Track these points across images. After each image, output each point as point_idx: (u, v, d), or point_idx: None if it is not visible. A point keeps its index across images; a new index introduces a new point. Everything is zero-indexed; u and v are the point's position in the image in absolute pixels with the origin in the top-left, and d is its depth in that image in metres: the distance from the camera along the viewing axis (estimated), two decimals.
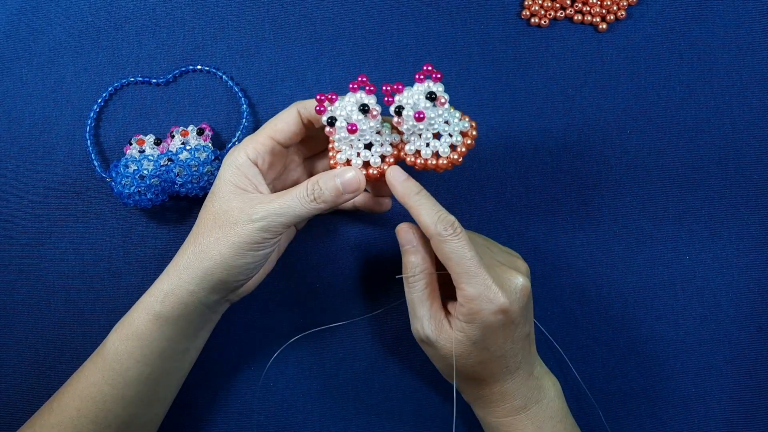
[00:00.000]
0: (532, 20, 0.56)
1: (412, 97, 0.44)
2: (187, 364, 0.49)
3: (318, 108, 0.45)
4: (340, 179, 0.45)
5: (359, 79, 0.45)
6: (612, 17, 0.56)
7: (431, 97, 0.44)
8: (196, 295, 0.45)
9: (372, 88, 0.45)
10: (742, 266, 0.55)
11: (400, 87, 0.45)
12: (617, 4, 0.56)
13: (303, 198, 0.45)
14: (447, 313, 0.46)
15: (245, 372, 0.54)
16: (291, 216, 0.45)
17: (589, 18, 0.56)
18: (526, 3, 0.56)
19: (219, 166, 0.52)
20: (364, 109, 0.44)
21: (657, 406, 0.54)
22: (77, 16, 0.57)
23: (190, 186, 0.52)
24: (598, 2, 0.56)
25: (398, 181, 0.46)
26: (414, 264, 0.46)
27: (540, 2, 0.56)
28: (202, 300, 0.46)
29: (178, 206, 0.55)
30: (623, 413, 0.53)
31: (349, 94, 0.45)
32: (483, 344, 0.44)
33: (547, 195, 0.55)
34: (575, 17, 0.56)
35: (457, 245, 0.43)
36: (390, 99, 0.45)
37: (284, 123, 0.47)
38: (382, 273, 0.55)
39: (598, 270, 0.55)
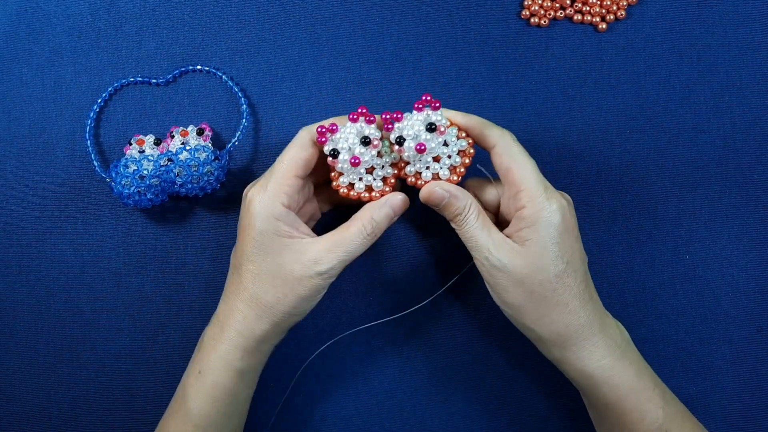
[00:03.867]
0: (532, 20, 0.56)
1: (413, 127, 0.45)
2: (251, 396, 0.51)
3: (319, 139, 0.45)
4: (391, 206, 0.46)
5: (359, 110, 0.45)
6: (612, 17, 0.56)
7: (431, 128, 0.45)
8: (270, 342, 0.47)
9: (372, 119, 0.45)
10: (742, 266, 0.55)
11: (400, 115, 0.45)
12: (617, 4, 0.56)
13: (363, 237, 0.45)
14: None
15: None
16: (353, 256, 0.46)
17: (589, 18, 0.56)
18: (526, 3, 0.56)
19: (219, 167, 0.52)
20: (366, 141, 0.45)
21: None
22: (77, 16, 0.57)
23: (189, 186, 0.52)
24: (598, 2, 0.56)
25: (451, 112, 0.47)
26: (460, 205, 0.45)
27: (540, 2, 0.56)
28: (274, 343, 0.48)
29: (178, 206, 0.55)
30: None
31: (349, 124, 0.45)
32: (555, 249, 0.44)
33: None
34: (575, 17, 0.56)
35: (521, 149, 0.46)
36: (390, 126, 0.45)
37: (304, 159, 0.46)
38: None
39: (598, 270, 0.55)
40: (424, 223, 0.55)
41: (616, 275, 0.55)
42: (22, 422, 0.55)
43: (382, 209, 0.46)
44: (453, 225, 0.47)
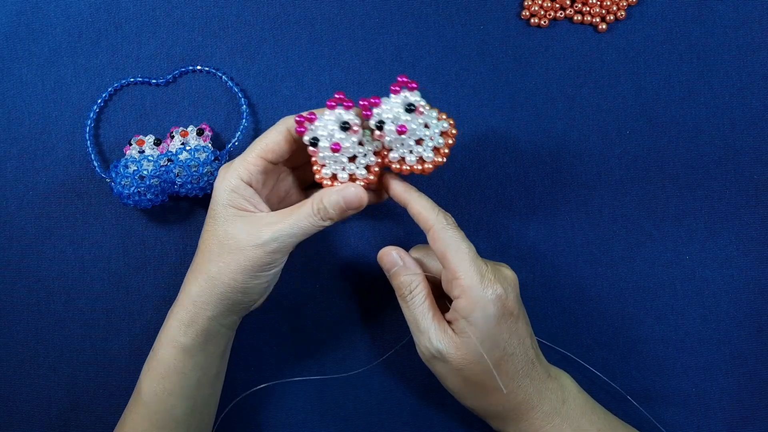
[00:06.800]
0: (532, 20, 0.56)
1: (392, 110, 0.44)
2: (220, 386, 0.50)
3: (298, 129, 0.45)
4: (342, 196, 0.45)
5: (336, 96, 0.45)
6: (612, 17, 0.56)
7: (410, 108, 0.44)
8: (216, 320, 0.46)
9: (350, 104, 0.45)
10: (742, 266, 0.55)
11: (377, 101, 0.45)
12: (617, 5, 0.56)
13: (310, 216, 0.45)
14: (448, 323, 0.46)
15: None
16: (301, 234, 0.45)
17: (589, 18, 0.56)
18: (526, 3, 0.56)
19: (219, 167, 0.52)
20: (345, 126, 0.45)
21: (657, 406, 0.54)
22: (77, 16, 0.57)
23: (189, 186, 0.52)
24: (598, 2, 0.56)
25: (396, 180, 0.47)
26: (407, 281, 0.47)
27: (540, 2, 0.56)
28: (221, 322, 0.47)
29: (178, 207, 0.55)
30: (623, 413, 0.53)
31: (328, 111, 0.45)
32: (490, 341, 0.44)
33: (547, 195, 0.55)
34: (575, 17, 0.56)
35: (456, 235, 0.45)
36: (368, 113, 0.45)
37: (274, 143, 0.46)
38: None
39: (598, 270, 0.55)
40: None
41: (616, 275, 0.55)
42: (22, 422, 0.55)
43: (332, 196, 0.45)
44: (399, 301, 0.47)
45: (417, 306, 0.46)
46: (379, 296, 0.55)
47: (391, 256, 0.48)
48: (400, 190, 0.46)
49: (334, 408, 0.54)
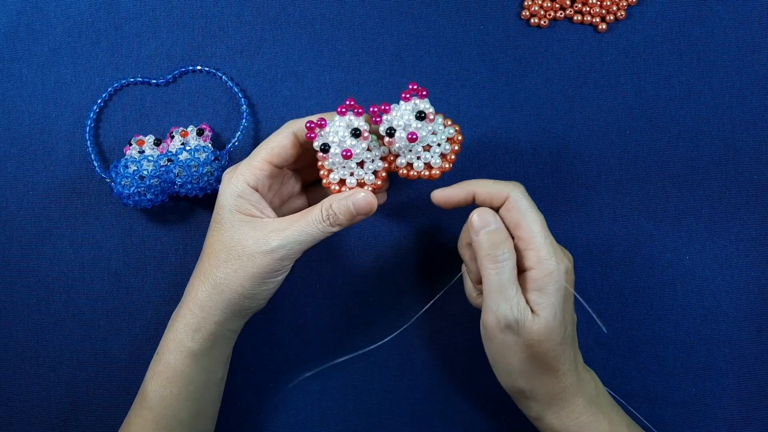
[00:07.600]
0: (532, 21, 0.56)
1: (402, 117, 0.44)
2: (222, 388, 0.50)
3: (309, 135, 0.45)
4: (352, 201, 0.45)
5: (347, 102, 0.45)
6: (612, 17, 0.56)
7: (421, 116, 0.44)
8: (223, 324, 0.46)
9: (360, 110, 0.45)
10: (742, 266, 0.55)
11: (387, 107, 0.45)
12: (617, 5, 0.56)
13: (319, 222, 0.45)
14: None
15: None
16: (309, 241, 0.45)
17: (589, 18, 0.56)
18: (526, 3, 0.56)
19: (219, 167, 0.52)
20: (356, 133, 0.44)
21: (657, 406, 0.54)
22: (77, 16, 0.57)
23: (189, 186, 0.52)
24: (598, 2, 0.56)
25: (442, 189, 0.47)
26: (499, 241, 0.45)
27: (540, 2, 0.56)
28: (228, 327, 0.47)
29: (178, 207, 0.55)
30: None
31: (338, 117, 0.45)
32: (561, 317, 0.44)
33: (547, 195, 0.55)
34: (575, 17, 0.56)
35: (531, 204, 0.45)
36: (378, 119, 0.45)
37: (280, 147, 0.46)
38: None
39: (598, 270, 0.55)
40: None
41: (616, 275, 0.55)
42: (22, 422, 0.55)
43: (342, 201, 0.45)
44: (485, 263, 0.45)
45: (507, 271, 0.44)
46: (378, 296, 0.55)
47: (489, 214, 0.45)
48: (455, 190, 0.46)
49: (335, 408, 0.54)
